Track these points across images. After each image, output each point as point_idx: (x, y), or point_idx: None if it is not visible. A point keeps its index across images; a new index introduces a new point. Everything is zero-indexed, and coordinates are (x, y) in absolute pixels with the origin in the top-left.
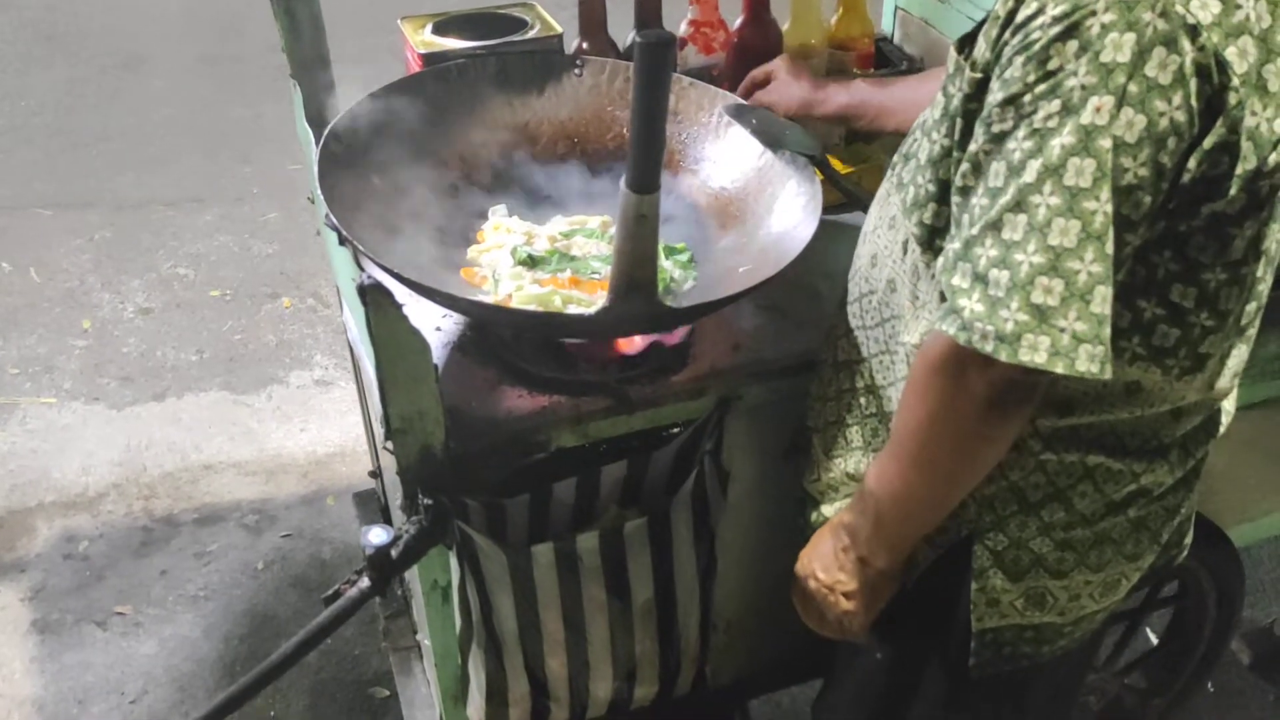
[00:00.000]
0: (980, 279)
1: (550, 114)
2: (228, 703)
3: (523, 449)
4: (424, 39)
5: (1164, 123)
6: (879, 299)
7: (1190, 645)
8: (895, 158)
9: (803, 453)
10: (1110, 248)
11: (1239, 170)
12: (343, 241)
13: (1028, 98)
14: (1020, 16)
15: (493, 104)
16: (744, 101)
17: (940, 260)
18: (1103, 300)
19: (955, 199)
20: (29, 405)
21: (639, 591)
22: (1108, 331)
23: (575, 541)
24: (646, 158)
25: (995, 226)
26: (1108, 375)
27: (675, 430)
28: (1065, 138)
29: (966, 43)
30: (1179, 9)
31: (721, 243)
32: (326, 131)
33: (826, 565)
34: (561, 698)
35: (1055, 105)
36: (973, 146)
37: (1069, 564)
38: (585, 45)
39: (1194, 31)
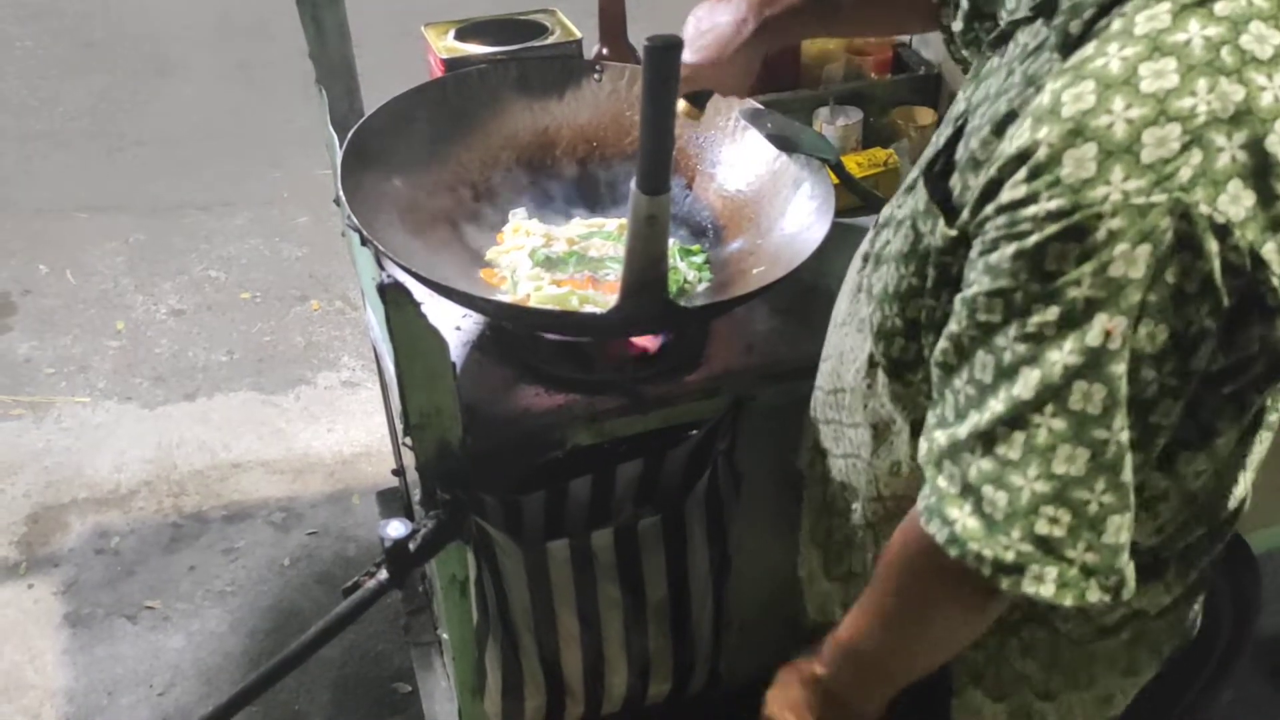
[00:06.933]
0: (971, 490)
1: (570, 118)
2: (250, 689)
3: (539, 446)
4: (446, 44)
5: (1193, 331)
6: (849, 399)
7: (1206, 653)
8: (865, 246)
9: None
10: (1127, 474)
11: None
12: (364, 242)
13: (1019, 295)
14: (1006, 197)
15: (513, 108)
16: (759, 106)
17: (922, 445)
18: (1117, 530)
19: (935, 371)
20: (64, 404)
21: (653, 589)
22: (1124, 559)
23: (590, 539)
24: (655, 160)
25: (988, 439)
26: (1125, 598)
27: (693, 432)
28: (1068, 356)
29: (938, 177)
30: (1203, 209)
31: (736, 245)
32: (350, 135)
33: (798, 712)
34: (576, 693)
35: (1053, 313)
36: (954, 326)
37: (1057, 685)
38: (605, 50)
39: (1224, 231)
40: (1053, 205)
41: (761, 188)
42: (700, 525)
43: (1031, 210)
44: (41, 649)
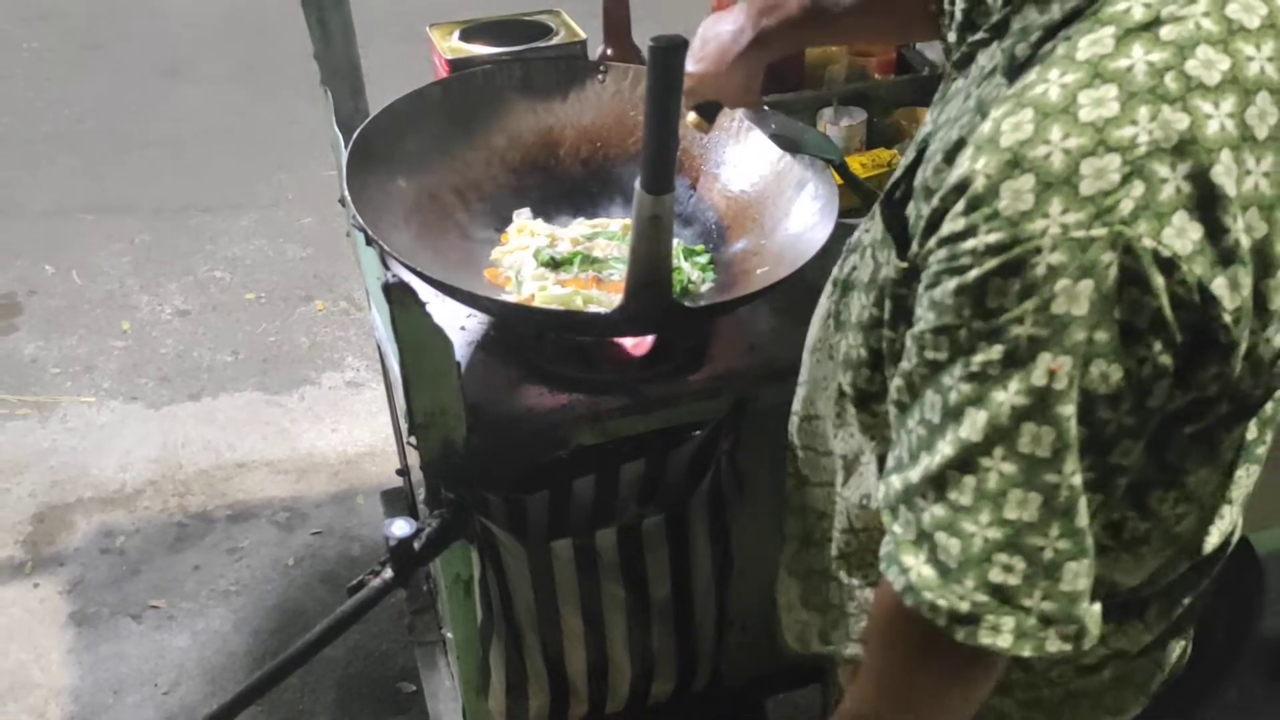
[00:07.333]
0: (926, 537)
1: (574, 119)
2: (255, 688)
3: (543, 446)
4: (451, 45)
5: (1146, 369)
6: (822, 426)
7: (1206, 654)
8: (835, 271)
9: None
10: (1082, 519)
11: (1231, 391)
12: (370, 242)
13: (963, 332)
14: (946, 229)
15: (517, 109)
16: (764, 106)
17: (880, 489)
18: (1074, 576)
19: (892, 410)
20: (69, 404)
21: (656, 589)
22: (1083, 605)
23: (594, 538)
24: (659, 159)
25: (939, 483)
26: (1086, 647)
27: (696, 432)
28: (1014, 397)
29: (897, 204)
30: (1147, 243)
31: (740, 245)
32: (355, 135)
33: None
34: (580, 691)
35: (996, 352)
36: (905, 364)
37: None
38: (609, 51)
39: (1170, 265)
40: (991, 239)
41: (765, 188)
42: (704, 525)
43: (970, 243)
44: (47, 648)
